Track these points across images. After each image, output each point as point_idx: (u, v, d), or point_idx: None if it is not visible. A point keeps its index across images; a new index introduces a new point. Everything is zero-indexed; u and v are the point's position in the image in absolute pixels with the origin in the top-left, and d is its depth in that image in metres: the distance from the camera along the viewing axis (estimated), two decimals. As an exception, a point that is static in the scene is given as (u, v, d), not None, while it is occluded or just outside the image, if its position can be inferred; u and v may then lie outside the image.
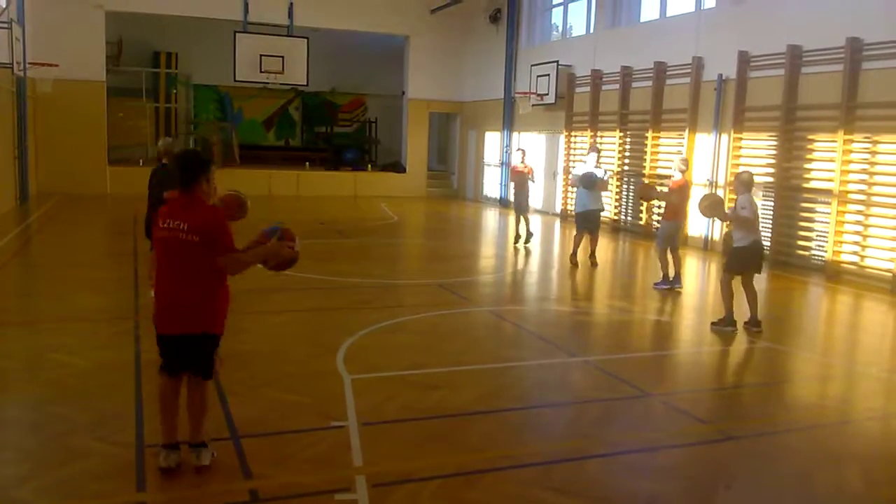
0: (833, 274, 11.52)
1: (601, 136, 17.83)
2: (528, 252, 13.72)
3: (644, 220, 16.31)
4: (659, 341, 8.18)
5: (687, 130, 14.86)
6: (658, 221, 14.52)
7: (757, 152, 13.49)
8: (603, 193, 12.43)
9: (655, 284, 10.26)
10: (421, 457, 4.64)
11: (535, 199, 19.07)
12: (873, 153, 11.30)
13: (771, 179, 12.85)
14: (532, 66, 20.10)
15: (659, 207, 14.67)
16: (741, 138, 13.73)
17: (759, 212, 8.57)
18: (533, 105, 19.88)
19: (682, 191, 10.32)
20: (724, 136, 14.02)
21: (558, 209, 19.80)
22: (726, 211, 8.65)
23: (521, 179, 14.19)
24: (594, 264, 11.79)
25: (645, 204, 16.08)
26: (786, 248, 12.75)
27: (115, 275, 10.04)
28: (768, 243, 12.45)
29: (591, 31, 18.86)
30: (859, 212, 11.48)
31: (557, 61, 19.02)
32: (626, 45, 17.05)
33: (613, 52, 17.32)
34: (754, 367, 7.33)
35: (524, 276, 11.90)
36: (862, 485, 4.55)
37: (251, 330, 7.35)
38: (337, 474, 4.31)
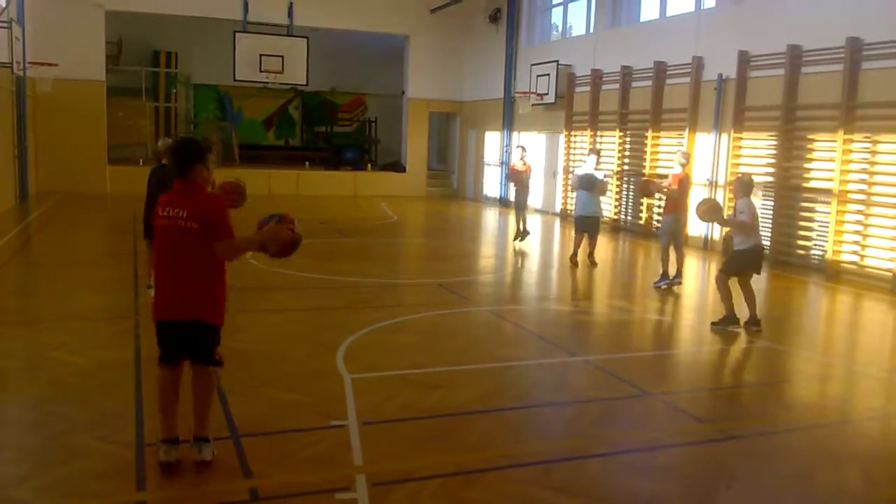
0: (833, 273, 11.52)
1: (601, 136, 17.84)
2: (526, 252, 13.71)
3: (644, 219, 16.31)
4: (659, 341, 8.18)
5: (687, 130, 14.86)
6: (659, 221, 14.54)
7: (757, 152, 13.50)
8: (602, 196, 12.44)
9: (655, 283, 10.26)
10: (421, 456, 4.64)
11: (535, 198, 19.09)
12: (873, 153, 11.31)
13: (771, 179, 12.85)
14: (532, 65, 20.10)
15: (660, 201, 14.68)
16: (741, 138, 13.73)
17: (759, 213, 8.55)
18: (533, 105, 19.88)
19: (682, 184, 10.31)
20: (724, 136, 14.02)
21: (558, 209, 19.80)
22: (725, 216, 8.63)
23: (520, 178, 14.20)
24: (593, 264, 11.79)
25: (645, 200, 16.10)
26: (786, 247, 12.75)
27: (115, 274, 10.04)
28: (768, 243, 12.47)
29: (591, 30, 18.86)
30: (859, 211, 11.49)
31: (557, 61, 19.02)
32: (625, 44, 17.05)
33: (613, 51, 17.32)
34: (754, 366, 7.33)
35: (524, 275, 11.90)
36: (862, 484, 4.54)
37: (251, 329, 7.34)
38: (337, 473, 4.31)
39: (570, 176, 17.58)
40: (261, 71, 20.41)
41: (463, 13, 23.69)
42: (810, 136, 12.49)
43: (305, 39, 21.05)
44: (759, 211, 8.77)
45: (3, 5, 15.72)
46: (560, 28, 21.43)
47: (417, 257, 14.01)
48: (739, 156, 13.75)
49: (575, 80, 18.90)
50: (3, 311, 8.10)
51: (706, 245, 14.38)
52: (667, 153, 15.54)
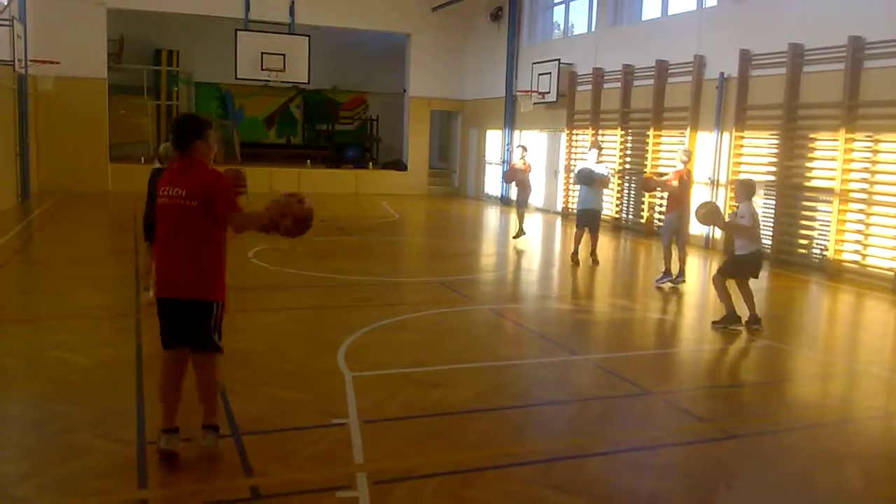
0: (834, 273, 11.51)
1: (602, 135, 17.82)
2: (528, 250, 13.71)
3: (645, 218, 16.31)
4: (660, 339, 8.18)
5: (688, 129, 14.85)
6: (660, 219, 14.54)
7: (758, 151, 13.49)
8: (604, 191, 12.42)
9: (657, 281, 10.25)
10: (422, 454, 4.64)
11: (536, 197, 19.08)
12: (875, 152, 11.30)
13: (772, 178, 12.84)
14: (533, 64, 20.09)
15: (661, 200, 14.68)
16: (743, 137, 13.72)
17: (760, 216, 8.52)
18: (534, 103, 19.87)
19: (683, 181, 10.30)
20: (726, 135, 14.02)
21: (559, 207, 19.80)
22: (725, 219, 8.61)
23: (521, 177, 14.22)
24: (595, 262, 11.79)
25: (647, 199, 16.10)
26: (787, 246, 12.75)
27: (117, 272, 10.04)
28: (769, 242, 12.48)
29: (593, 29, 18.85)
30: (861, 210, 11.48)
31: (559, 59, 19.01)
32: (627, 43, 17.04)
33: (615, 50, 17.31)
34: (755, 365, 7.32)
35: (525, 274, 11.90)
36: (863, 484, 4.54)
37: (252, 328, 7.35)
38: (338, 471, 4.31)
39: (572, 174, 17.58)
40: (262, 69, 20.42)
41: (464, 11, 23.68)
42: (812, 135, 12.49)
43: (307, 38, 21.05)
44: (760, 211, 8.75)
45: (5, 3, 15.71)
46: (562, 26, 21.43)
47: (419, 255, 14.01)
48: (741, 155, 13.74)
49: (576, 78, 18.89)
50: (4, 310, 8.11)
51: (707, 244, 14.38)
52: (668, 152, 15.53)
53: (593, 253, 11.85)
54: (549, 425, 5.46)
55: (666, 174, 12.51)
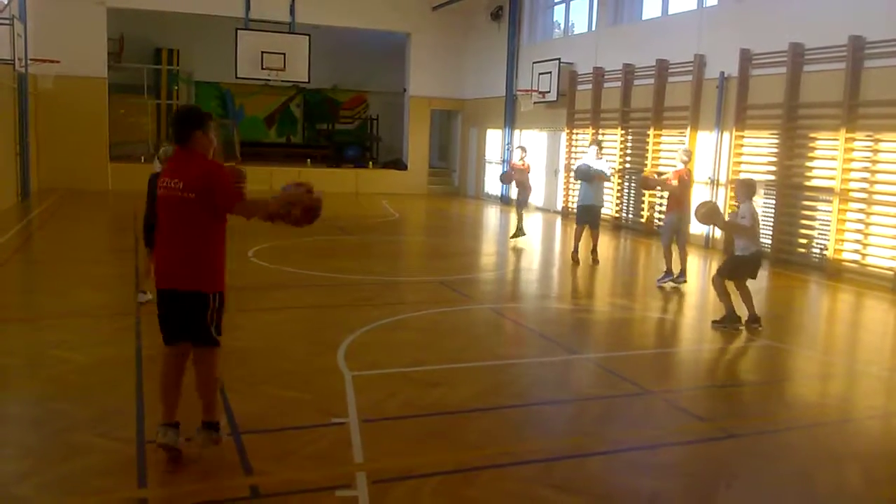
0: (834, 272, 11.51)
1: (603, 134, 17.82)
2: (528, 249, 13.71)
3: (645, 217, 16.31)
4: (660, 339, 8.17)
5: (689, 128, 14.85)
6: (660, 219, 14.53)
7: (759, 150, 13.49)
8: (605, 188, 12.40)
9: (658, 280, 10.25)
10: (422, 453, 4.64)
11: (537, 196, 19.08)
12: (875, 151, 11.30)
13: (772, 177, 12.84)
14: (534, 63, 20.09)
15: (661, 199, 14.68)
16: (743, 136, 13.72)
17: (760, 216, 8.51)
18: (534, 102, 19.86)
19: (683, 181, 10.29)
20: (726, 134, 14.01)
21: (559, 206, 19.80)
22: (725, 218, 8.60)
23: (521, 178, 14.21)
24: (595, 261, 11.78)
25: (647, 198, 16.09)
26: (787, 246, 12.75)
27: (117, 271, 10.04)
28: (770, 241, 12.48)
29: (593, 28, 18.84)
30: (861, 210, 11.48)
31: (559, 59, 19.01)
32: (627, 42, 17.04)
33: (615, 49, 17.31)
34: (755, 364, 7.32)
35: (525, 273, 11.89)
36: (863, 483, 4.54)
37: (251, 327, 7.35)
38: (337, 471, 4.31)
39: (572, 173, 17.58)
40: (262, 68, 20.42)
41: (464, 11, 23.68)
42: (812, 135, 12.48)
43: (307, 37, 21.04)
44: (760, 211, 8.74)
45: (5, 2, 15.70)
46: (562, 26, 21.43)
47: (419, 255, 14.01)
48: (741, 154, 13.74)
49: (577, 77, 18.88)
50: (4, 309, 8.11)
51: (707, 244, 14.37)
52: (668, 151, 15.53)
53: (594, 251, 11.85)
54: (548, 424, 5.46)
55: (665, 173, 12.50)
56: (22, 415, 5.20)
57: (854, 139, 11.46)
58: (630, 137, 17.12)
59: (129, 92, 24.28)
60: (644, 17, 17.37)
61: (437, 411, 5.34)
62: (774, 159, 12.91)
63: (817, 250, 12.18)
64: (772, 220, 12.67)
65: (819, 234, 12.18)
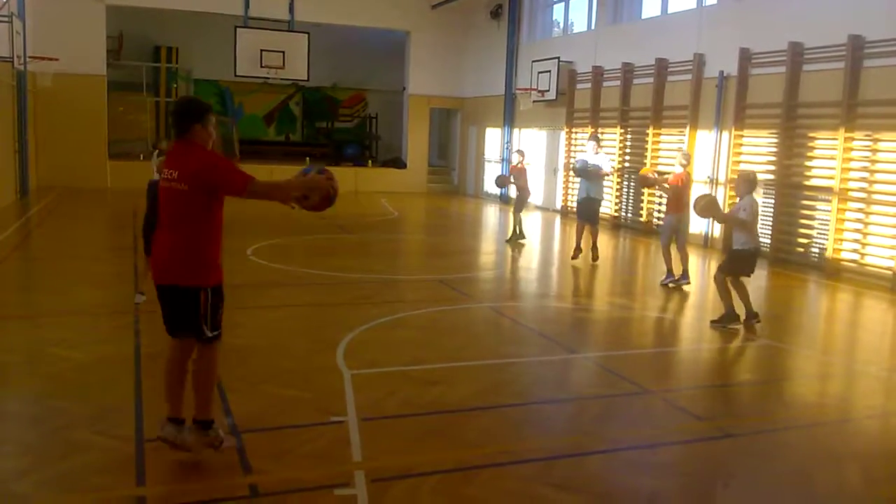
0: (833, 271, 11.52)
1: (602, 133, 17.79)
2: (527, 248, 13.70)
3: (645, 216, 16.31)
4: (659, 338, 8.18)
5: (688, 127, 14.85)
6: (659, 218, 14.53)
7: (758, 149, 13.49)
8: (605, 185, 12.35)
9: (662, 281, 10.24)
10: (420, 452, 4.64)
11: (536, 195, 19.06)
12: (874, 151, 11.30)
13: (771, 177, 12.84)
14: (533, 62, 20.08)
15: (661, 199, 14.67)
16: (742, 135, 13.72)
17: (759, 214, 8.50)
18: (534, 101, 19.86)
19: (682, 184, 10.29)
20: (725, 134, 14.01)
21: (558, 205, 19.80)
22: (724, 212, 8.59)
23: (520, 180, 14.18)
24: (595, 258, 11.77)
25: (646, 197, 16.09)
26: (786, 245, 12.75)
27: (116, 269, 10.04)
28: (768, 241, 12.48)
29: (593, 27, 18.84)
30: (860, 209, 11.48)
31: (558, 57, 19.00)
32: (627, 41, 17.03)
33: (615, 48, 17.30)
34: (754, 364, 7.33)
35: (524, 272, 11.90)
36: (861, 483, 4.55)
37: (250, 325, 7.35)
38: (336, 469, 4.31)
39: (571, 172, 17.58)
40: (262, 66, 20.38)
41: (464, 9, 23.67)
42: (811, 134, 12.49)
43: (306, 35, 21.01)
44: (760, 209, 8.73)
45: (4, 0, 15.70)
46: (561, 24, 21.42)
47: (418, 253, 14.01)
48: (740, 153, 13.74)
49: (576, 76, 18.88)
50: (3, 306, 8.10)
51: (706, 243, 14.38)
52: (668, 150, 15.53)
53: (594, 248, 11.81)
54: (548, 423, 5.47)
55: (665, 172, 12.50)
56: (21, 412, 5.20)
57: (853, 139, 11.46)
58: (629, 136, 17.12)
59: (128, 90, 24.26)
60: (643, 16, 17.36)
61: (437, 410, 5.34)
62: (773, 158, 12.91)
63: (816, 250, 12.19)
64: (771, 219, 12.68)
65: (818, 233, 12.19)
